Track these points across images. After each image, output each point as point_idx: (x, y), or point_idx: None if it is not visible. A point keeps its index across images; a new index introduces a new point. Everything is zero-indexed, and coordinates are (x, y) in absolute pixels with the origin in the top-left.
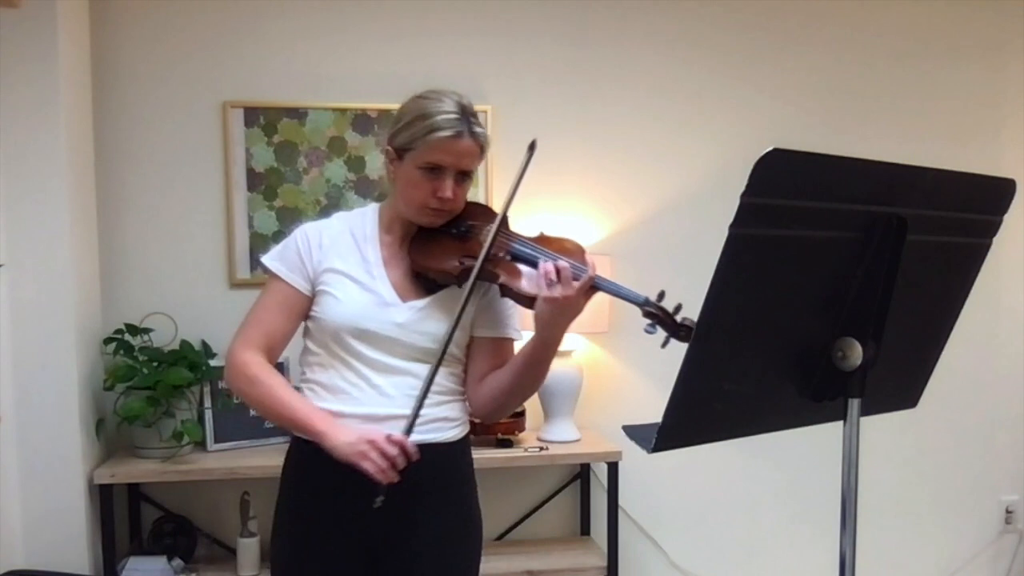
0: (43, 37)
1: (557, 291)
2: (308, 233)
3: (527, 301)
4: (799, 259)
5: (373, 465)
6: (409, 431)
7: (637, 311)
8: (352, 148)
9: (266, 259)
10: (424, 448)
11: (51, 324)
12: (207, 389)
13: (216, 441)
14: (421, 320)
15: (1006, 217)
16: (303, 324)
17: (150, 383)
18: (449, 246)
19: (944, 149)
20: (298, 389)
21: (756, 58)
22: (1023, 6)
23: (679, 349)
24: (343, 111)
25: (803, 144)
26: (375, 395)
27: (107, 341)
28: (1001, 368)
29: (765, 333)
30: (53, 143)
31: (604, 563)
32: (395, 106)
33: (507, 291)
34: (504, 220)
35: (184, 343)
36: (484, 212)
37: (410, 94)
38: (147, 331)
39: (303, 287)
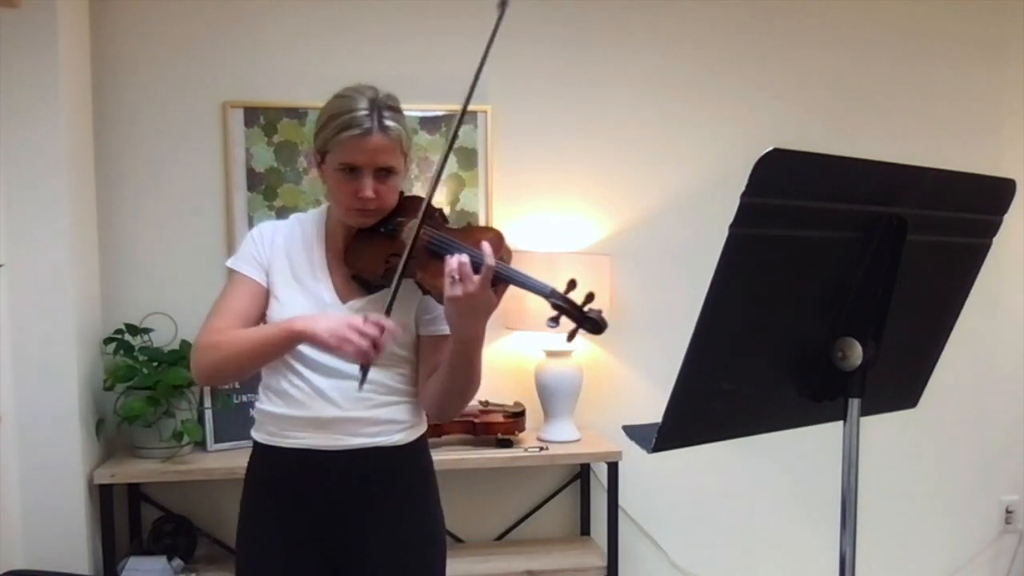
0: (43, 37)
1: (459, 289)
2: (262, 230)
3: (442, 299)
4: (799, 259)
5: (354, 347)
6: (388, 311)
7: (644, 313)
8: None
9: (228, 262)
10: (372, 452)
11: (51, 324)
12: (207, 389)
13: (216, 441)
14: None
15: (1006, 217)
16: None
17: (150, 383)
18: (379, 245)
19: (944, 149)
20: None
21: (756, 58)
22: (1023, 6)
23: (678, 349)
24: None
25: (803, 144)
26: (318, 399)
27: (107, 341)
28: (1001, 368)
29: (765, 333)
30: (53, 143)
31: (604, 563)
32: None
33: (425, 289)
34: (431, 213)
35: (184, 343)
36: (414, 206)
37: (410, 94)
38: (147, 331)
39: (259, 278)
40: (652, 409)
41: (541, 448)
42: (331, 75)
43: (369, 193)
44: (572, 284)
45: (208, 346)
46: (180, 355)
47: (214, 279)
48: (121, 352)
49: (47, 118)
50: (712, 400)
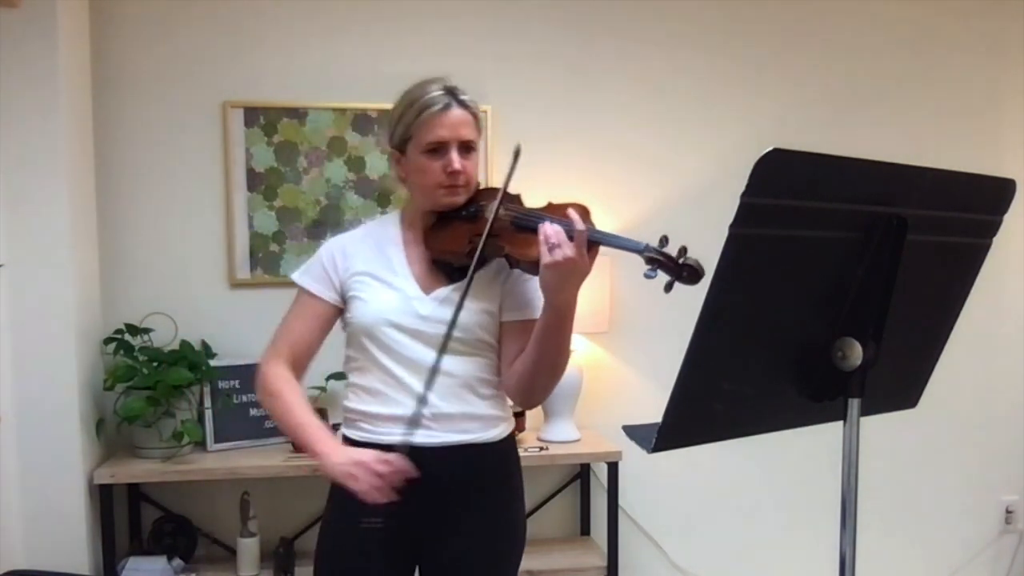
0: (43, 37)
1: (558, 254)
2: (332, 246)
3: (534, 268)
4: (799, 259)
5: (361, 486)
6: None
7: (644, 313)
8: (352, 148)
9: (294, 275)
10: (464, 448)
11: (51, 324)
12: (207, 389)
13: (216, 441)
14: (444, 309)
15: (1006, 217)
16: (344, 333)
17: (150, 383)
18: (460, 229)
19: (944, 149)
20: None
21: (756, 58)
22: (1023, 6)
23: (678, 349)
24: (343, 111)
25: (803, 144)
26: (407, 396)
27: (107, 341)
28: (1001, 368)
29: (765, 333)
30: (53, 143)
31: (604, 563)
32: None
33: (514, 262)
34: (508, 194)
35: (184, 343)
36: (494, 194)
37: None
38: (147, 331)
39: (329, 297)
40: (652, 409)
41: (541, 448)
42: (331, 75)
43: (458, 165)
44: (664, 240)
45: (269, 393)
46: (180, 355)
47: (214, 279)
48: (121, 352)
49: (47, 118)
50: (712, 400)
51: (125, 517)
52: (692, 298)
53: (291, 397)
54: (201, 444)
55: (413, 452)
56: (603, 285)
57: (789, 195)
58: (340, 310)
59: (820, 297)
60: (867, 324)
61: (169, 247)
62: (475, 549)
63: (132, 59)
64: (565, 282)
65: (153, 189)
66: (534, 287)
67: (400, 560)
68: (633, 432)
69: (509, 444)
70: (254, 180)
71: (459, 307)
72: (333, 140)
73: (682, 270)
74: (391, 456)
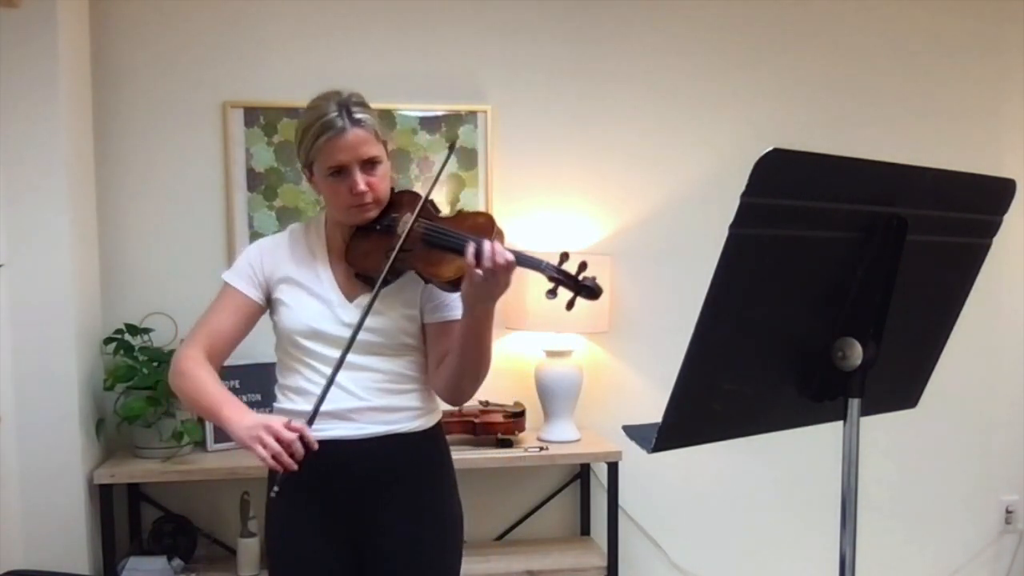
0: (43, 37)
1: (492, 282)
2: (260, 245)
3: (446, 285)
4: (799, 259)
5: (266, 450)
6: (311, 421)
7: (644, 313)
8: None
9: (224, 273)
10: (393, 438)
11: (51, 324)
12: None
13: (216, 441)
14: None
15: (1006, 217)
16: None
17: (150, 383)
18: (377, 243)
19: (944, 149)
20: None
21: (756, 58)
22: (1023, 6)
23: (678, 349)
24: None
25: (803, 144)
26: (339, 391)
27: (107, 341)
28: (1001, 368)
29: (765, 333)
30: (53, 143)
31: (604, 563)
32: (395, 106)
33: (426, 278)
34: (423, 208)
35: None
36: (411, 200)
37: (410, 94)
38: (147, 331)
39: (252, 294)
40: (652, 409)
41: (541, 448)
42: (331, 75)
43: (362, 187)
44: (565, 256)
45: (179, 372)
46: None
47: (214, 279)
48: (121, 352)
49: (47, 118)
50: (712, 400)
51: (125, 517)
52: (692, 298)
53: (201, 373)
54: (201, 444)
55: (340, 445)
56: (603, 285)
57: (789, 195)
58: (262, 309)
59: (820, 297)
60: (867, 324)
61: (169, 247)
62: (408, 535)
63: (132, 59)
64: (488, 298)
65: (153, 189)
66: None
67: (341, 546)
68: (633, 432)
69: (436, 432)
70: (254, 180)
71: (364, 315)
72: None
73: (580, 288)
74: (296, 423)
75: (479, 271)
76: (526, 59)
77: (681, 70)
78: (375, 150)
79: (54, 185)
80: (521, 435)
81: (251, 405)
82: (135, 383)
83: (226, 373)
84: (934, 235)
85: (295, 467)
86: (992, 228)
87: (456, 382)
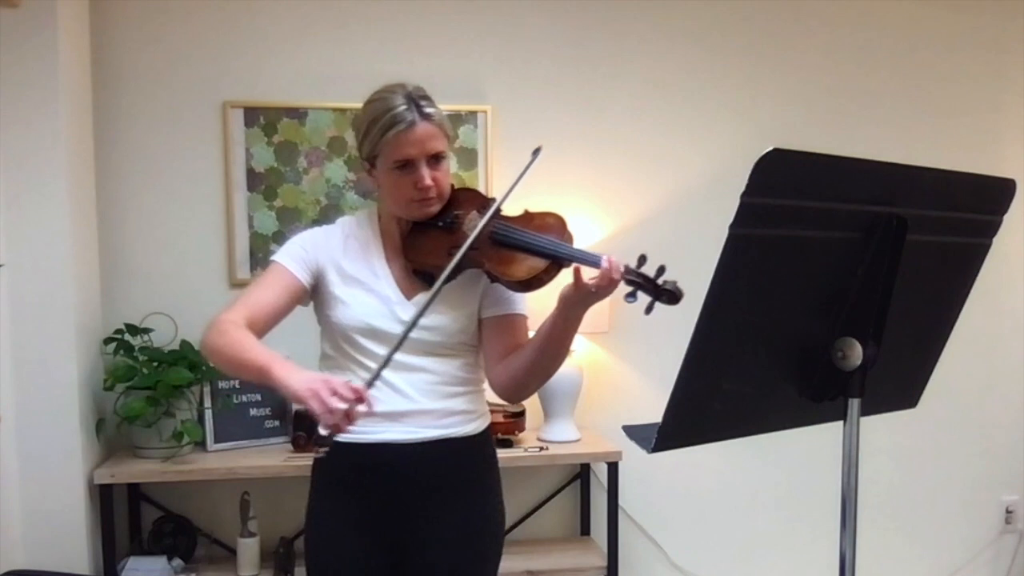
0: (43, 37)
1: (602, 294)
2: (314, 233)
3: (516, 285)
4: (799, 259)
5: (321, 404)
6: (370, 384)
7: (638, 305)
8: (352, 148)
9: (274, 255)
10: (445, 443)
11: (51, 324)
12: (207, 389)
13: (216, 441)
14: (425, 315)
15: (1006, 217)
16: (319, 328)
17: (150, 383)
18: (438, 239)
19: (944, 149)
20: None
21: (756, 58)
22: (1023, 6)
23: (678, 349)
24: (343, 111)
25: (803, 144)
26: (391, 393)
27: (107, 341)
28: (1001, 368)
29: (765, 333)
30: (53, 143)
31: (604, 563)
32: None
33: (494, 277)
34: (489, 201)
35: (184, 343)
36: (470, 199)
37: None
38: (147, 331)
39: (302, 275)
40: (652, 409)
41: (541, 448)
42: (331, 75)
43: (428, 181)
44: (643, 259)
45: (218, 331)
46: (180, 355)
47: (214, 279)
48: (121, 352)
49: (47, 118)
50: (712, 400)
51: (125, 517)
52: (692, 298)
53: (240, 334)
54: (201, 444)
55: (389, 448)
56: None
57: (789, 195)
58: (307, 294)
59: (820, 297)
60: (867, 324)
61: (169, 247)
62: (454, 543)
63: (132, 59)
64: (588, 304)
65: (153, 189)
66: None
67: (381, 549)
68: (633, 432)
69: (486, 437)
70: (254, 180)
71: (420, 312)
72: (333, 140)
73: (660, 292)
74: (356, 383)
75: (592, 282)
76: (526, 59)
77: (681, 70)
78: (442, 145)
79: (54, 185)
80: (521, 435)
81: (251, 405)
82: (135, 383)
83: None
84: (934, 235)
85: (347, 429)
86: (992, 228)
87: (526, 380)
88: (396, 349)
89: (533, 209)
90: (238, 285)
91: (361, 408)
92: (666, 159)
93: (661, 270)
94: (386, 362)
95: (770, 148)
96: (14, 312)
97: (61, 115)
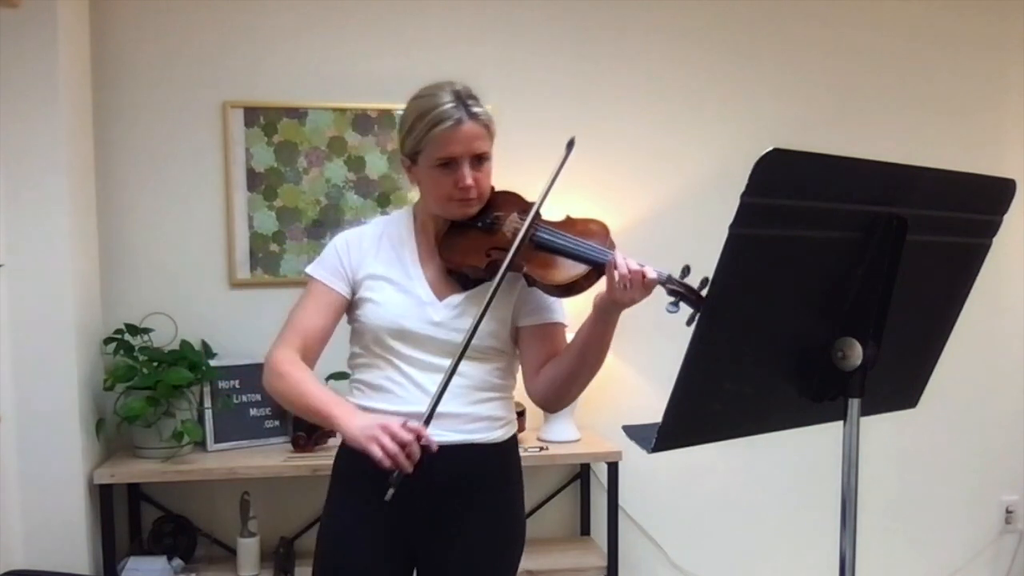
0: (43, 37)
1: (627, 297)
2: (347, 239)
3: (555, 290)
4: (799, 259)
5: (382, 451)
6: (427, 422)
7: (644, 313)
8: (352, 148)
9: (308, 268)
10: (472, 448)
11: (51, 324)
12: (207, 389)
13: (216, 441)
14: (457, 317)
15: (1006, 217)
16: (349, 327)
17: (150, 383)
18: (477, 240)
19: (944, 149)
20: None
21: (756, 57)
22: (1023, 6)
23: (678, 349)
24: (343, 111)
25: (803, 144)
26: (419, 393)
27: (107, 341)
28: (1001, 368)
29: (765, 333)
30: (53, 143)
31: (604, 563)
32: (395, 106)
33: (533, 281)
34: (527, 205)
35: (184, 343)
36: (510, 200)
37: (410, 93)
38: (147, 331)
39: (341, 289)
40: (652, 409)
41: (541, 448)
42: (331, 75)
43: (469, 181)
44: (686, 269)
45: (277, 373)
46: (180, 355)
47: (214, 279)
48: (121, 352)
49: (47, 118)
50: (712, 400)
51: (125, 517)
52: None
53: (300, 374)
54: (201, 444)
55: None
56: (603, 285)
57: (789, 195)
58: (347, 303)
59: (820, 297)
60: (867, 324)
61: (169, 247)
62: (475, 548)
63: (132, 59)
64: (622, 308)
65: (153, 189)
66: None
67: (399, 555)
68: (633, 432)
69: (512, 445)
70: (254, 180)
71: (477, 323)
72: (333, 140)
73: (703, 304)
74: (413, 423)
75: (623, 287)
76: (526, 59)
77: (681, 70)
78: (486, 145)
79: (54, 185)
80: (521, 435)
81: (251, 405)
82: (135, 383)
83: (226, 373)
84: (934, 235)
85: (410, 469)
86: (992, 228)
87: (566, 388)
88: (454, 370)
89: (575, 216)
90: (238, 285)
91: (417, 448)
92: (666, 159)
93: (704, 282)
94: (443, 389)
95: (770, 148)
96: (14, 312)
97: (61, 115)
